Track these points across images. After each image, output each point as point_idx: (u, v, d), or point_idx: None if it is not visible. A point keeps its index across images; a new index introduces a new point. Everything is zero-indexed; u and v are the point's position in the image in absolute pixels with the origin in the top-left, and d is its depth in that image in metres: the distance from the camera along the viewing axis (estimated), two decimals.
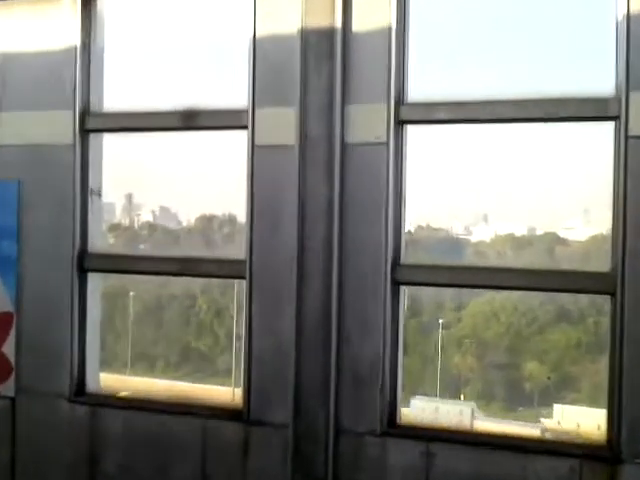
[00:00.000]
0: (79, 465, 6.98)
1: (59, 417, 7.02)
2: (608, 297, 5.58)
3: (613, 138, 5.49)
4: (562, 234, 8.75)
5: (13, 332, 7.13)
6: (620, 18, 5.41)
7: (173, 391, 7.20)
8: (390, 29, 5.94)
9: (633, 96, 5.33)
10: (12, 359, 7.14)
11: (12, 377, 7.15)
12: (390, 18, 5.94)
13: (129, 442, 6.82)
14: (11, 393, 7.17)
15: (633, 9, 5.34)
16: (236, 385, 6.77)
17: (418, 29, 6.02)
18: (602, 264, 5.64)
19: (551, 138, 6.02)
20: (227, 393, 6.93)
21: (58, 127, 6.93)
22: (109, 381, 7.30)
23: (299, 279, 6.20)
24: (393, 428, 6.08)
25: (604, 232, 5.70)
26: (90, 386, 7.06)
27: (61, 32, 6.92)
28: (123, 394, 7.23)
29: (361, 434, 6.09)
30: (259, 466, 6.38)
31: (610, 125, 5.51)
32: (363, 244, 6.07)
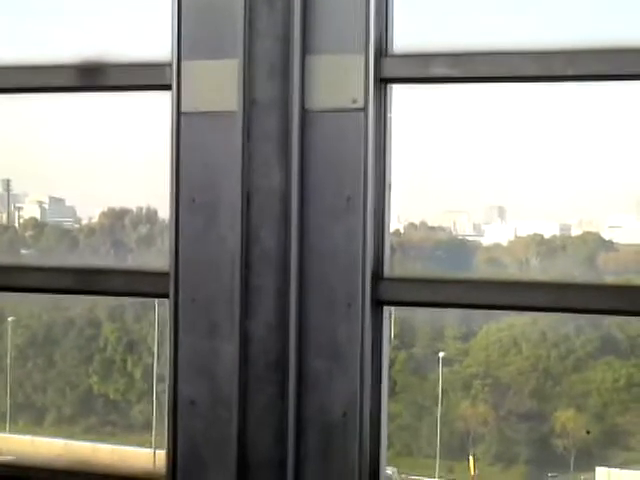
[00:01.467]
0: None
1: None
2: None
3: None
4: (606, 235, 8.83)
5: None
6: None
7: (70, 454, 7.16)
8: None
9: None
10: None
11: None
12: None
13: None
14: None
15: None
16: (158, 445, 6.77)
17: None
18: None
19: (587, 104, 6.08)
20: (144, 457, 6.92)
21: None
22: None
23: (243, 297, 6.19)
24: None
25: None
26: None
27: None
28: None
29: None
30: None
31: None
32: (332, 249, 6.06)
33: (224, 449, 6.25)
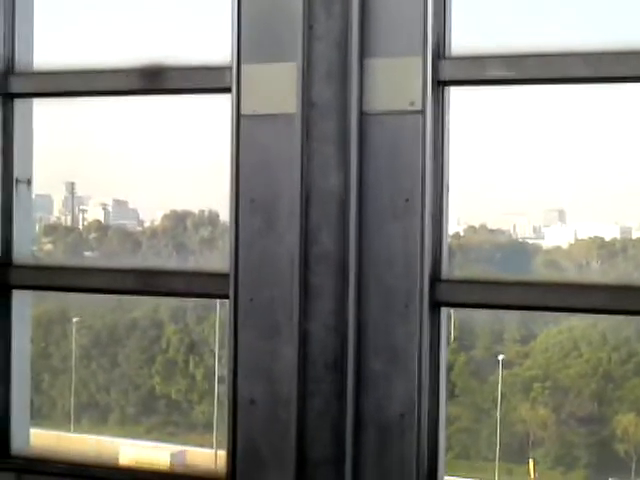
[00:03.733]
0: None
1: None
2: None
3: None
4: None
5: None
6: None
7: (131, 455, 7.20)
8: None
9: None
10: None
11: None
12: None
13: None
14: None
15: None
16: (219, 446, 6.79)
17: None
18: None
19: None
20: (206, 457, 6.95)
21: None
22: (44, 439, 7.34)
23: (302, 299, 6.20)
24: None
25: None
26: (17, 446, 7.09)
27: None
28: (62, 457, 7.25)
29: None
30: None
31: None
32: (390, 250, 6.07)
33: (283, 448, 6.26)
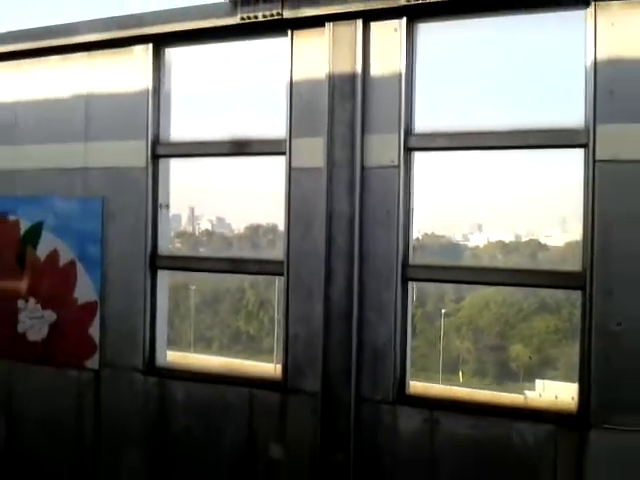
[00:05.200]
0: (150, 425, 7.01)
1: (134, 386, 7.06)
2: (580, 292, 5.52)
3: (583, 162, 5.44)
4: (543, 241, 8.69)
5: (98, 317, 7.19)
6: (588, 65, 5.36)
7: (226, 366, 7.20)
8: (400, 74, 5.93)
9: (599, 128, 5.29)
10: (97, 339, 7.20)
11: (97, 354, 7.21)
12: (400, 65, 5.94)
13: (190, 407, 6.84)
14: (96, 366, 7.22)
15: (599, 58, 5.31)
16: (277, 361, 6.77)
17: (423, 74, 6.00)
18: (575, 265, 5.59)
19: (532, 162, 5.98)
20: (269, 368, 6.93)
21: (134, 154, 6.98)
22: (174, 357, 7.34)
23: (327, 276, 6.19)
24: (403, 397, 6.05)
25: (577, 239, 5.64)
26: (159, 361, 7.10)
27: (135, 78, 6.99)
28: (186, 367, 7.24)
29: (377, 402, 6.06)
30: (294, 426, 6.38)
31: (580, 151, 5.46)
32: (379, 248, 6.04)
33: (315, 363, 6.23)
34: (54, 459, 7.46)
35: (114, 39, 6.99)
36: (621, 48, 5.27)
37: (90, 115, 7.21)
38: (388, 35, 5.98)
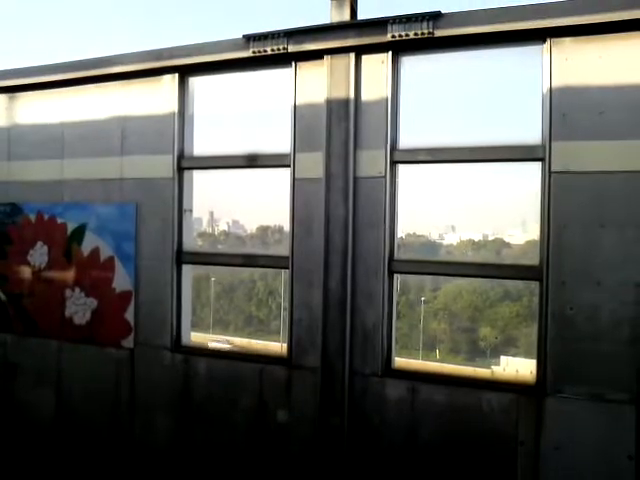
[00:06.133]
0: (177, 396, 7.01)
1: (163, 362, 7.05)
2: (537, 282, 5.52)
3: (540, 173, 5.45)
4: (506, 239, 8.66)
5: (132, 304, 7.18)
6: (545, 92, 5.37)
7: (241, 345, 7.19)
8: (387, 99, 5.93)
9: (554, 144, 5.30)
10: (132, 323, 7.19)
11: (132, 335, 7.20)
12: (387, 91, 5.93)
13: (210, 380, 6.83)
14: (131, 345, 7.21)
15: (554, 86, 5.32)
16: (283, 341, 6.75)
17: (406, 99, 5.99)
18: (533, 259, 5.59)
19: (497, 173, 5.98)
20: (277, 347, 6.92)
21: (162, 166, 6.97)
22: (197, 337, 7.32)
23: (325, 269, 6.18)
24: (389, 371, 6.05)
25: (535, 238, 5.64)
26: (184, 341, 7.08)
27: (164, 102, 6.97)
28: (207, 347, 7.23)
29: (367, 375, 6.06)
30: (298, 395, 6.37)
31: (538, 164, 5.47)
32: (369, 245, 6.03)
33: (315, 342, 6.22)
34: (96, 422, 7.46)
35: (146, 69, 6.98)
36: (573, 78, 5.28)
37: (125, 134, 7.20)
38: (376, 66, 5.98)
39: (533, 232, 5.76)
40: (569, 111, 5.26)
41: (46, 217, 7.70)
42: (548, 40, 5.33)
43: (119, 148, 7.23)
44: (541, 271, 5.43)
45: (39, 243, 7.75)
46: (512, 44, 5.54)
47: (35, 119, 7.83)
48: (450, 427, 5.76)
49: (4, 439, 8.04)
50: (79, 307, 7.49)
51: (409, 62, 5.99)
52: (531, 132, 5.47)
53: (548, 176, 5.32)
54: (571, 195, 5.28)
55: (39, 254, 7.75)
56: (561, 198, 5.30)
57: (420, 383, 5.88)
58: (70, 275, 7.54)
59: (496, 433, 5.57)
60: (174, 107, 6.91)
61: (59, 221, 7.61)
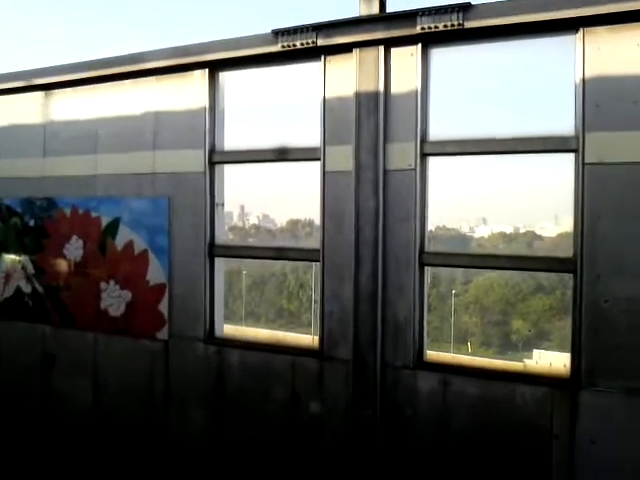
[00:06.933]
0: (211, 387, 7.10)
1: (197, 354, 7.15)
2: (571, 275, 5.46)
3: (574, 165, 5.38)
4: (538, 232, 8.58)
5: (166, 296, 7.28)
6: (578, 82, 5.29)
7: (272, 337, 7.25)
8: (416, 91, 5.90)
9: (587, 135, 5.22)
10: (166, 315, 7.30)
11: (166, 327, 7.31)
12: (416, 83, 5.90)
13: (243, 371, 6.90)
14: (165, 337, 7.33)
15: (587, 76, 5.24)
16: (314, 333, 6.80)
17: (436, 91, 5.95)
18: (566, 252, 5.53)
19: (530, 164, 5.91)
20: (308, 339, 6.96)
21: (194, 161, 7.04)
22: (230, 330, 7.40)
23: (356, 262, 6.20)
24: (421, 363, 6.05)
25: (568, 230, 5.58)
26: (217, 333, 7.17)
27: (195, 97, 7.04)
28: (239, 338, 7.29)
29: (399, 367, 6.07)
30: (330, 388, 6.41)
31: (571, 156, 5.40)
32: (399, 238, 6.02)
33: (346, 335, 6.25)
34: (131, 413, 7.60)
35: (177, 65, 7.06)
36: (606, 68, 5.19)
37: (157, 129, 7.29)
38: (406, 58, 5.95)
39: (566, 224, 5.69)
40: (603, 101, 5.17)
41: (81, 211, 7.85)
42: (581, 29, 5.24)
43: (151, 143, 7.32)
44: (575, 263, 5.36)
45: (74, 237, 7.91)
46: (544, 34, 5.46)
47: (69, 115, 7.98)
48: (483, 420, 5.74)
49: (42, 428, 8.24)
50: (114, 300, 7.63)
51: (439, 54, 5.95)
52: (564, 123, 5.40)
53: (582, 167, 5.25)
54: (605, 186, 5.19)
55: (74, 247, 7.91)
56: (595, 189, 5.23)
57: (452, 375, 5.87)
58: (105, 268, 7.68)
59: (530, 426, 5.54)
60: (205, 102, 6.98)
61: (93, 215, 7.75)
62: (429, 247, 6.10)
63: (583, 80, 5.24)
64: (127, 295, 7.54)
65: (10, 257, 8.46)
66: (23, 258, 8.33)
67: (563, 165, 5.51)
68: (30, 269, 8.27)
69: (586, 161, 5.23)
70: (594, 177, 5.22)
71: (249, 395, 6.85)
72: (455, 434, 5.87)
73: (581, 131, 5.25)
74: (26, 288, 8.32)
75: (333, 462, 6.42)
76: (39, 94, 8.20)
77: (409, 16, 5.81)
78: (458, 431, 5.85)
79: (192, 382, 7.18)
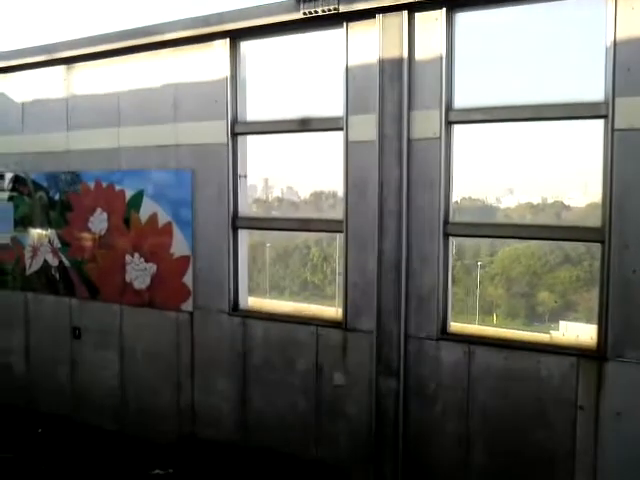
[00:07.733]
0: (235, 358, 7.17)
1: (222, 325, 7.22)
2: (599, 245, 5.37)
3: (603, 131, 5.24)
4: (566, 202, 8.44)
5: (191, 269, 7.34)
6: (608, 45, 5.13)
7: (296, 309, 7.28)
8: (441, 57, 5.78)
9: (617, 101, 5.08)
10: (190, 287, 7.36)
11: (191, 299, 7.38)
12: (441, 49, 5.78)
13: (267, 342, 6.96)
14: (190, 309, 7.40)
15: (618, 38, 5.08)
16: (338, 305, 6.81)
17: (461, 56, 5.82)
18: (595, 222, 5.43)
19: (558, 132, 5.79)
20: (332, 311, 6.97)
21: (216, 132, 7.02)
22: (254, 302, 7.44)
23: (380, 233, 6.16)
24: (445, 334, 6.03)
25: (596, 200, 5.47)
26: (242, 305, 7.22)
27: (216, 68, 7.00)
28: (263, 310, 7.34)
29: (422, 338, 6.06)
30: (353, 359, 6.44)
31: (601, 122, 5.26)
32: (424, 209, 5.96)
33: (370, 306, 6.25)
34: (158, 383, 7.73)
35: (197, 35, 7.00)
36: (638, 29, 5.02)
37: (179, 100, 7.27)
38: (430, 24, 5.83)
39: (595, 194, 5.58)
40: (634, 65, 5.01)
41: (104, 184, 7.90)
42: None
43: (173, 115, 7.31)
44: (603, 233, 5.27)
45: (98, 210, 7.97)
46: None
47: (91, 89, 7.99)
48: (507, 391, 5.72)
49: (71, 398, 8.42)
50: (139, 272, 7.70)
51: (464, 18, 5.81)
52: (593, 88, 5.26)
53: (611, 134, 5.12)
54: (636, 153, 5.06)
55: (99, 221, 7.98)
56: (625, 157, 5.10)
57: (476, 346, 5.85)
58: (129, 241, 7.75)
59: (555, 397, 5.51)
60: (226, 72, 6.93)
61: (117, 188, 7.80)
62: (454, 217, 6.03)
63: (614, 42, 5.07)
64: (152, 267, 7.61)
65: (37, 231, 8.58)
66: (49, 232, 8.44)
67: (592, 132, 5.38)
68: (56, 243, 8.39)
69: (616, 127, 5.09)
70: (624, 143, 5.09)
71: (273, 366, 6.92)
72: (479, 405, 5.86)
73: (611, 96, 5.10)
74: (53, 261, 8.45)
75: (356, 433, 6.47)
76: (61, 68, 8.21)
77: None
78: (482, 402, 5.85)
79: (217, 353, 7.26)
